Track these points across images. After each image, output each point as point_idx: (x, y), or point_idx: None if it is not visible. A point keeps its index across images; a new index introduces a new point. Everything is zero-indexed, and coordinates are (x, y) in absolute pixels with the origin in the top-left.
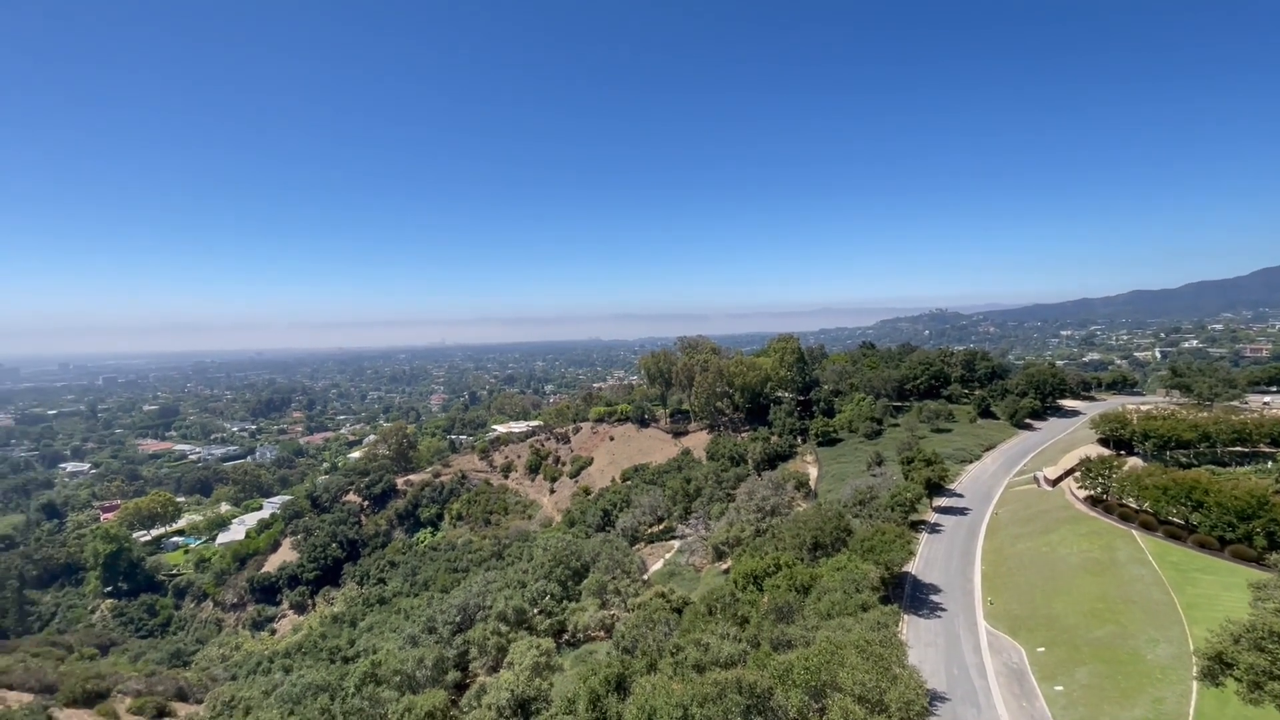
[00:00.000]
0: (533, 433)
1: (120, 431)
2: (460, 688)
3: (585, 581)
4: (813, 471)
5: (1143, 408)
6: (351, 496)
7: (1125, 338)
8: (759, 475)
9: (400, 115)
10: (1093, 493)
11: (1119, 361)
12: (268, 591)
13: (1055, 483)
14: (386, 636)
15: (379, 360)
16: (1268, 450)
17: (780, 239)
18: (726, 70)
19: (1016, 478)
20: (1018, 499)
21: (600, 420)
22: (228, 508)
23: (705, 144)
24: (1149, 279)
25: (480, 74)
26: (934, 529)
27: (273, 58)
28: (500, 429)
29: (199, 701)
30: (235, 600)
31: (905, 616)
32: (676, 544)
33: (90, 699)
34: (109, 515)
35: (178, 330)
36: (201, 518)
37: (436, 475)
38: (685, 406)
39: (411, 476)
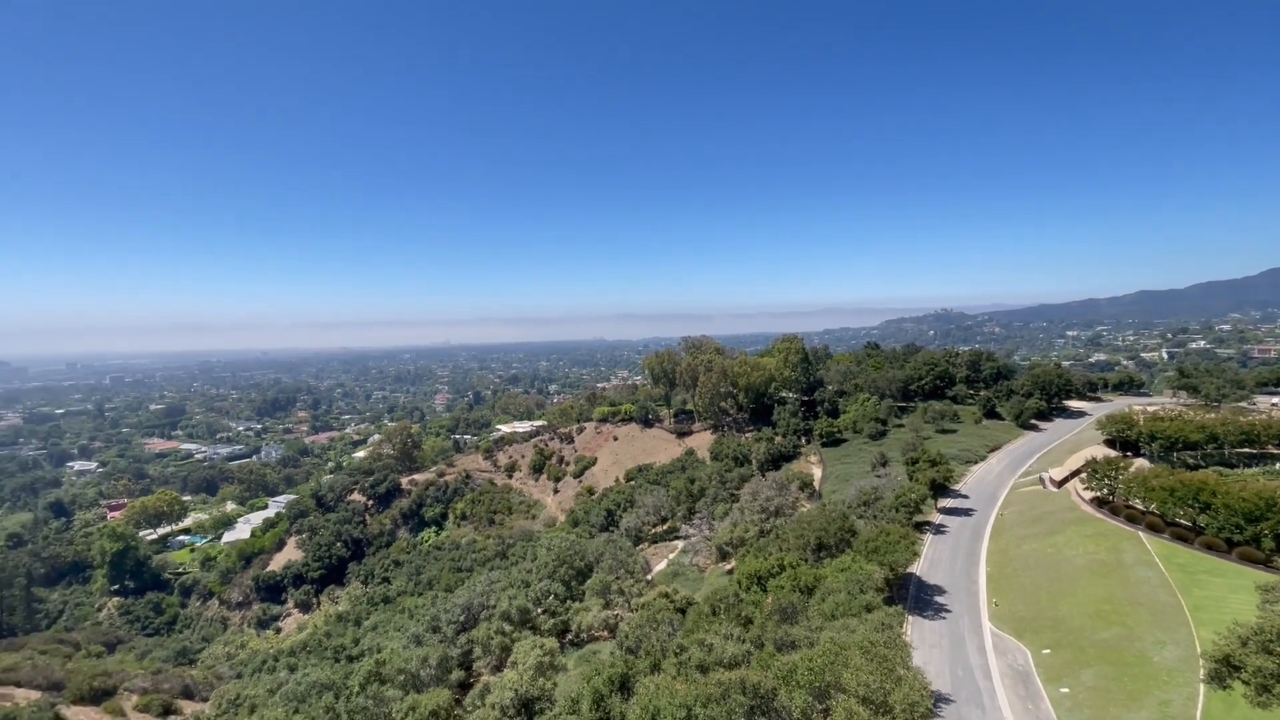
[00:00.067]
0: (537, 433)
1: (127, 431)
2: (464, 687)
3: (589, 581)
4: (817, 472)
5: (1149, 409)
6: (356, 496)
7: (1132, 338)
8: (763, 476)
9: (402, 115)
10: (1099, 494)
11: (1125, 362)
12: (273, 590)
13: (1061, 484)
14: (391, 636)
15: (384, 360)
16: (1276, 452)
17: (784, 239)
18: (727, 70)
19: (1022, 479)
20: (1023, 500)
21: (604, 420)
22: (233, 507)
23: (707, 144)
24: (1156, 279)
25: (481, 74)
26: (939, 530)
27: (275, 58)
28: (504, 429)
29: (205, 699)
30: (241, 599)
31: (909, 618)
32: (680, 544)
33: (97, 696)
34: (116, 514)
35: (184, 330)
36: (207, 516)
37: (441, 475)
38: (689, 407)
39: (416, 476)
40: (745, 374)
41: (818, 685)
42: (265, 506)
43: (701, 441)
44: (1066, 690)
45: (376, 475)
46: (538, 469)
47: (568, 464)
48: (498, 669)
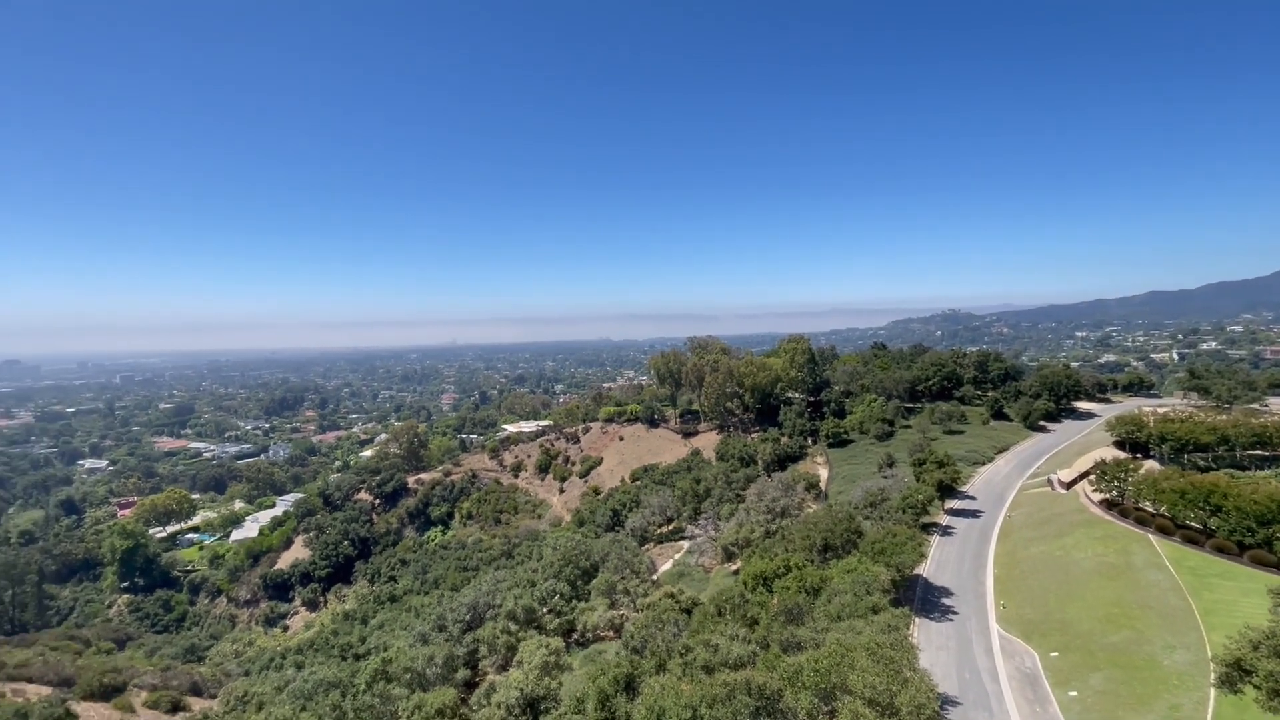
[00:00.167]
0: (543, 432)
1: (137, 429)
2: (470, 686)
3: (594, 581)
4: (823, 473)
5: (1160, 410)
6: (363, 495)
7: (1142, 339)
8: (769, 476)
9: (406, 116)
10: (1108, 496)
11: (1135, 363)
12: (280, 588)
13: (1070, 486)
14: (397, 634)
15: (390, 360)
16: None
17: (790, 239)
18: (729, 70)
19: (1030, 480)
20: (1031, 502)
21: (610, 420)
22: (241, 505)
23: (710, 144)
24: (1166, 279)
25: (481, 73)
26: (946, 531)
27: (278, 59)
28: (510, 428)
29: (213, 696)
30: (248, 597)
31: (916, 619)
32: (686, 544)
33: (107, 692)
34: (126, 512)
35: (193, 330)
36: (216, 515)
37: (447, 474)
38: (695, 407)
39: (422, 475)
40: (751, 374)
41: (824, 687)
42: (273, 505)
43: (707, 442)
44: (1075, 694)
45: (383, 474)
46: (543, 469)
47: (573, 464)
48: (503, 668)
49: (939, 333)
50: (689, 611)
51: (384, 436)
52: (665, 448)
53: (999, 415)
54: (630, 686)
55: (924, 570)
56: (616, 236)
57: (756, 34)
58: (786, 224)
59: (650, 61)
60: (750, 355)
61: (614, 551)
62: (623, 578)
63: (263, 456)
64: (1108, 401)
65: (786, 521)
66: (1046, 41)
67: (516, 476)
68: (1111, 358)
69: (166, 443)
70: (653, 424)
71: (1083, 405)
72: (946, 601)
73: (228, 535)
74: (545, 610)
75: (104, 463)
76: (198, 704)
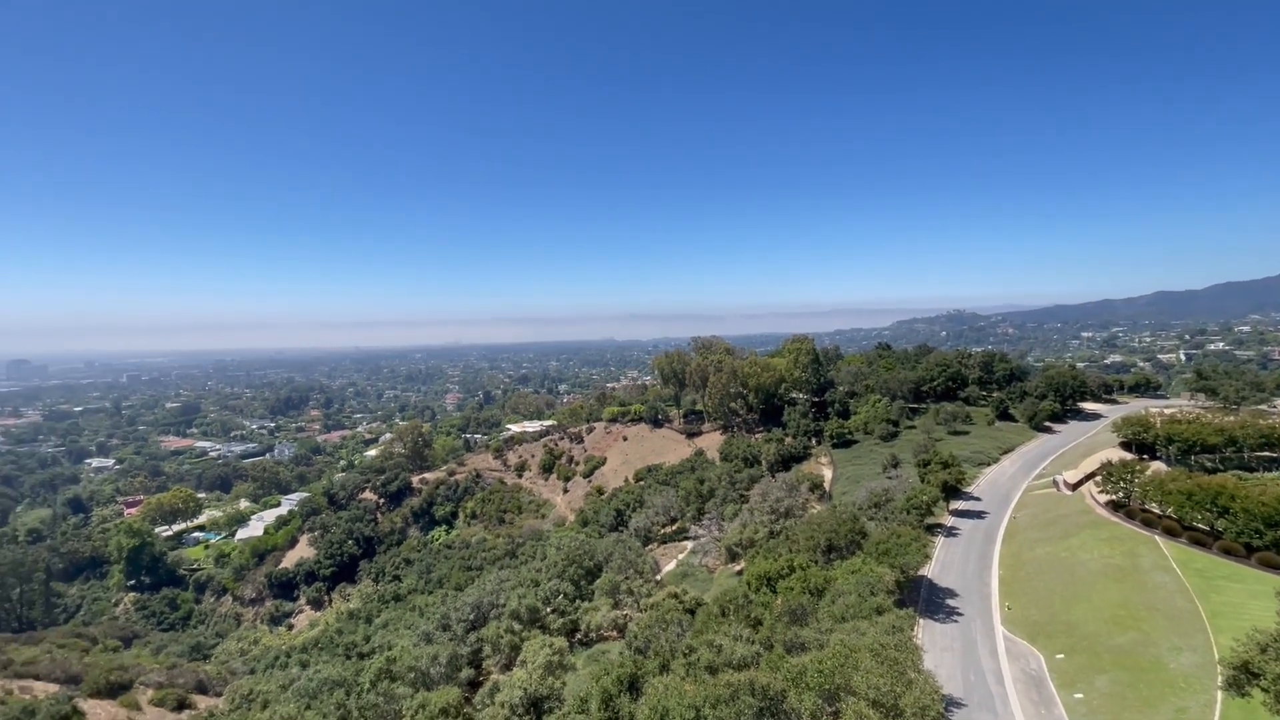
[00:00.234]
0: (547, 432)
1: (143, 428)
2: (474, 685)
3: (598, 581)
4: (827, 473)
5: (1166, 411)
6: (368, 494)
7: (1148, 339)
8: (773, 477)
9: (410, 116)
10: (1114, 497)
11: (1142, 364)
12: (285, 587)
13: (1075, 487)
14: (401, 633)
15: (395, 359)
16: None
17: (794, 238)
18: (731, 70)
19: (1035, 481)
20: (1037, 503)
21: (614, 420)
22: (247, 504)
23: (713, 144)
24: (1173, 279)
25: (483, 73)
26: (950, 532)
27: (281, 59)
28: (514, 428)
29: (218, 694)
30: (254, 595)
31: (921, 620)
32: (689, 545)
33: (114, 690)
34: (132, 510)
35: (199, 330)
36: (221, 514)
37: (451, 474)
38: (699, 407)
39: (427, 475)
40: (755, 374)
41: (828, 687)
42: (278, 504)
43: (711, 442)
44: (1080, 696)
45: (388, 474)
46: (547, 469)
47: (577, 464)
48: (507, 667)
49: (944, 333)
50: (693, 612)
51: (388, 436)
52: (669, 448)
53: (1004, 416)
54: (634, 687)
55: (929, 571)
56: (620, 237)
57: (759, 34)
58: (790, 224)
59: (650, 61)
60: (754, 355)
61: (618, 551)
62: (626, 578)
63: (268, 456)
64: (1114, 402)
65: (790, 522)
66: (1052, 41)
67: (520, 476)
68: (1118, 358)
69: (173, 442)
70: (656, 424)
71: (1088, 406)
72: (951, 603)
73: (233, 534)
74: (549, 610)
75: (111, 461)
76: (203, 702)
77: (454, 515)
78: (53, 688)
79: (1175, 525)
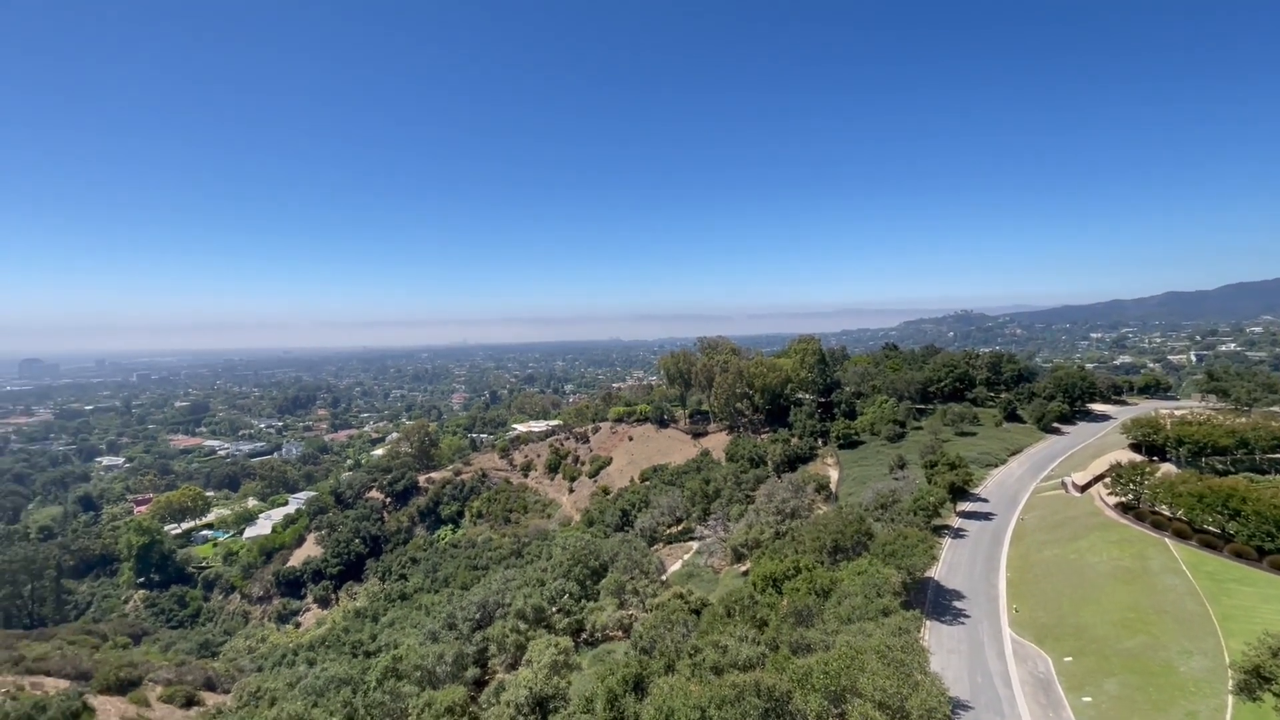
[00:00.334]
0: (552, 432)
1: (153, 427)
2: (479, 684)
3: (603, 581)
4: (833, 474)
5: (1177, 412)
6: (374, 493)
7: (1159, 340)
8: (779, 477)
9: (414, 116)
10: (1123, 499)
11: (1152, 365)
12: (292, 585)
13: (1084, 488)
14: (407, 632)
15: (402, 359)
16: None
17: (800, 239)
18: (733, 70)
19: (1043, 483)
20: (1045, 504)
21: (619, 420)
22: (255, 503)
23: (716, 145)
24: (1184, 280)
25: (483, 73)
26: (957, 534)
27: (284, 60)
28: (520, 428)
29: (226, 691)
30: (261, 593)
31: (927, 622)
32: (695, 545)
33: (123, 686)
34: (142, 508)
35: (208, 329)
36: (230, 512)
37: (457, 473)
38: (705, 407)
39: (433, 474)
40: (761, 375)
41: (833, 689)
42: (285, 503)
43: (717, 442)
44: (1089, 699)
45: (394, 473)
46: (553, 468)
47: (583, 464)
48: (513, 667)
49: (951, 334)
50: (698, 612)
51: (395, 435)
52: (675, 448)
53: (1012, 417)
54: (639, 687)
55: (935, 573)
56: (623, 238)
57: (761, 33)
58: (796, 224)
59: (650, 61)
60: (760, 356)
61: (623, 551)
62: (632, 578)
63: (276, 455)
64: (1123, 404)
65: (796, 523)
66: (1060, 40)
67: (526, 476)
68: (1127, 359)
69: (182, 440)
70: (662, 424)
71: (1098, 407)
72: (958, 605)
73: (241, 532)
74: (554, 609)
75: (121, 460)
76: (211, 699)
77: (460, 515)
78: (63, 684)
79: (1186, 528)
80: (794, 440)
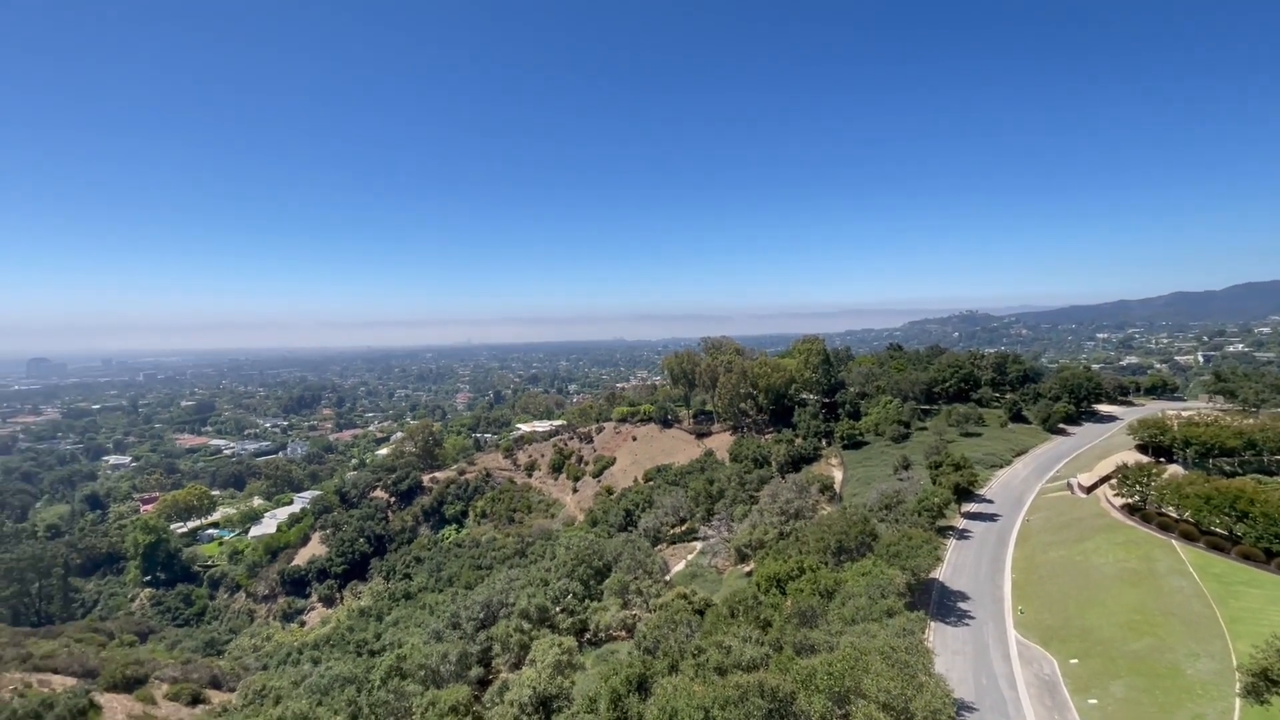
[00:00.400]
0: (556, 432)
1: (159, 426)
2: (483, 683)
3: (607, 581)
4: (838, 475)
5: (1184, 413)
6: (379, 493)
7: (1165, 341)
8: (783, 478)
9: (415, 116)
10: (1130, 500)
11: (1158, 365)
12: (297, 584)
13: (1090, 490)
14: (412, 631)
15: (406, 359)
16: None
17: (804, 239)
18: (735, 70)
19: (1049, 484)
20: (1050, 506)
21: (623, 420)
22: (260, 502)
23: (717, 145)
24: (1191, 280)
25: (483, 73)
26: (962, 535)
27: (286, 60)
28: (524, 428)
29: (232, 690)
30: (266, 592)
31: (932, 623)
32: (699, 545)
33: (130, 684)
34: (148, 507)
35: (214, 329)
36: (235, 511)
37: (461, 473)
38: (709, 407)
39: (437, 474)
40: (765, 375)
41: (837, 690)
42: (290, 502)
43: (721, 442)
44: (1095, 701)
45: (399, 472)
46: (557, 468)
47: (587, 464)
48: (516, 666)
49: (956, 334)
50: (702, 612)
51: (400, 435)
52: (678, 448)
53: (1017, 418)
54: (643, 687)
55: (940, 574)
56: (625, 238)
57: (763, 33)
58: (799, 224)
59: (651, 61)
60: (764, 356)
61: (627, 551)
62: (635, 578)
63: (281, 454)
64: (1130, 404)
65: (800, 523)
66: (1064, 39)
67: (530, 476)
68: (1134, 360)
69: (188, 440)
70: (666, 424)
71: (1104, 408)
72: (963, 606)
73: (246, 531)
74: (558, 609)
75: (127, 459)
76: (217, 697)
77: (464, 514)
78: (70, 681)
79: (1193, 529)
80: (798, 441)
